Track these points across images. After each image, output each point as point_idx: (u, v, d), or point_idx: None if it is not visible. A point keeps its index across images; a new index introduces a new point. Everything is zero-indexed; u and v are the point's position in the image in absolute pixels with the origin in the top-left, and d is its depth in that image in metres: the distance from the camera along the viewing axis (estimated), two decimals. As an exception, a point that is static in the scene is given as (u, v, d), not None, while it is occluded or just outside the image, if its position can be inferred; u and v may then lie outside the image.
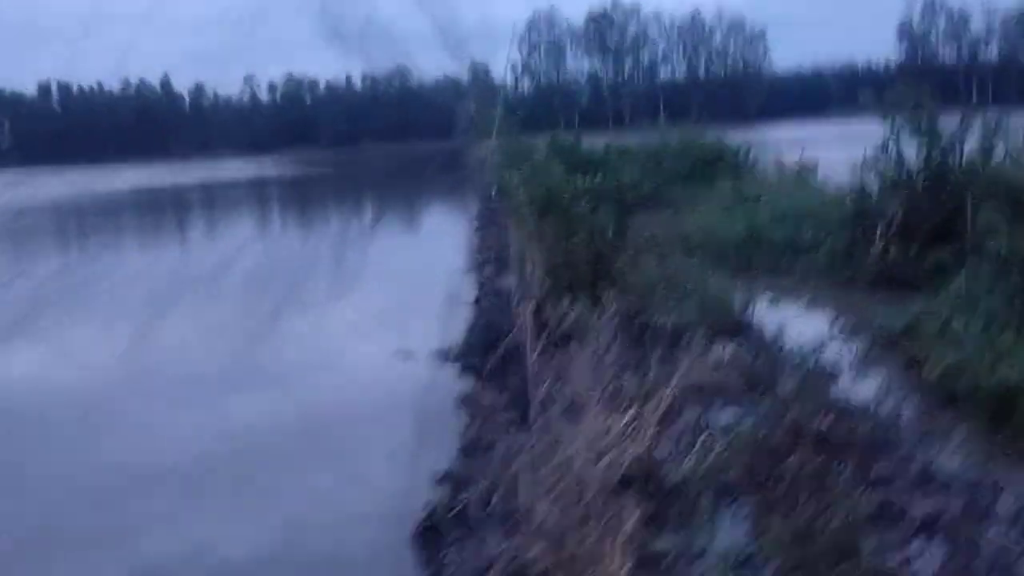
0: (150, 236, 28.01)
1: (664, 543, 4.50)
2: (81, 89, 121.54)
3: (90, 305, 13.75)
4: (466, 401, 6.97)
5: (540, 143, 30.30)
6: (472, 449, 5.88)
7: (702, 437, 5.78)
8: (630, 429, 5.40)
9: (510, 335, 8.58)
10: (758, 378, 6.99)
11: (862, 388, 6.76)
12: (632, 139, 28.66)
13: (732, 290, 9.78)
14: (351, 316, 11.43)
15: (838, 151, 22.31)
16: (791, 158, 20.37)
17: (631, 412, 5.71)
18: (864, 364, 7.63)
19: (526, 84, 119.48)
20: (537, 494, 4.51)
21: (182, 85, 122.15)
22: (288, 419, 7.43)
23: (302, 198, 40.94)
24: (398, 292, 12.55)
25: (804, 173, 18.04)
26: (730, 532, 4.67)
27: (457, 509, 4.80)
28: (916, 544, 4.40)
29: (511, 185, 8.63)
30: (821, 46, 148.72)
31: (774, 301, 10.30)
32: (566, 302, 8.15)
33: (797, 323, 8.88)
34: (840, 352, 7.82)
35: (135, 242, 26.35)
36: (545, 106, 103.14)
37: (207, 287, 13.88)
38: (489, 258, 14.06)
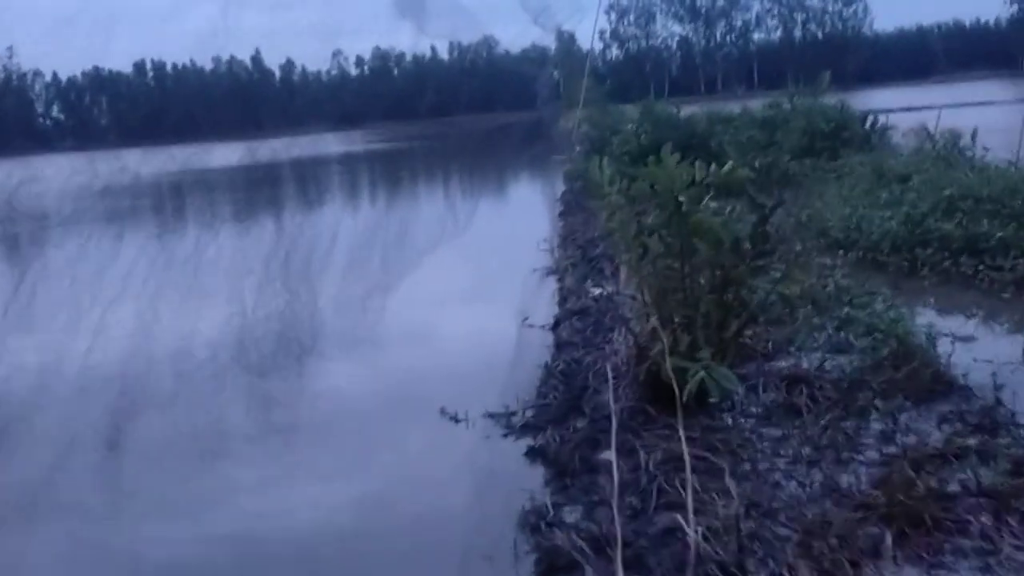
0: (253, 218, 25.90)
1: None
2: (175, 67, 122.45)
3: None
4: (532, 521, 4.47)
5: (630, 112, 27.60)
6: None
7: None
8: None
9: (602, 393, 6.08)
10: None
11: None
12: (728, 107, 25.58)
13: (912, 318, 7.07)
14: (391, 341, 8.92)
15: (972, 118, 19.10)
16: (926, 126, 17.23)
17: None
18: None
19: (614, 52, 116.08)
20: None
21: (272, 61, 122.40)
22: None
23: (388, 175, 38.96)
24: (459, 303, 10.07)
25: (952, 145, 14.91)
26: None
27: None
28: None
29: (600, 174, 6.03)
30: (924, 5, 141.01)
31: (971, 330, 7.44)
32: (682, 346, 5.57)
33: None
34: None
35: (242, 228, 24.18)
36: (634, 74, 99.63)
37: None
38: (574, 258, 11.51)
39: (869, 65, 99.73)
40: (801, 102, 20.79)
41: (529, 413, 5.98)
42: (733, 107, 25.53)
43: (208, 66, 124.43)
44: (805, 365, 6.36)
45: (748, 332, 6.42)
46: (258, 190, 32.34)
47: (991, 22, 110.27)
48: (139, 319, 9.34)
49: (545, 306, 9.10)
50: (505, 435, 5.69)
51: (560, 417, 5.75)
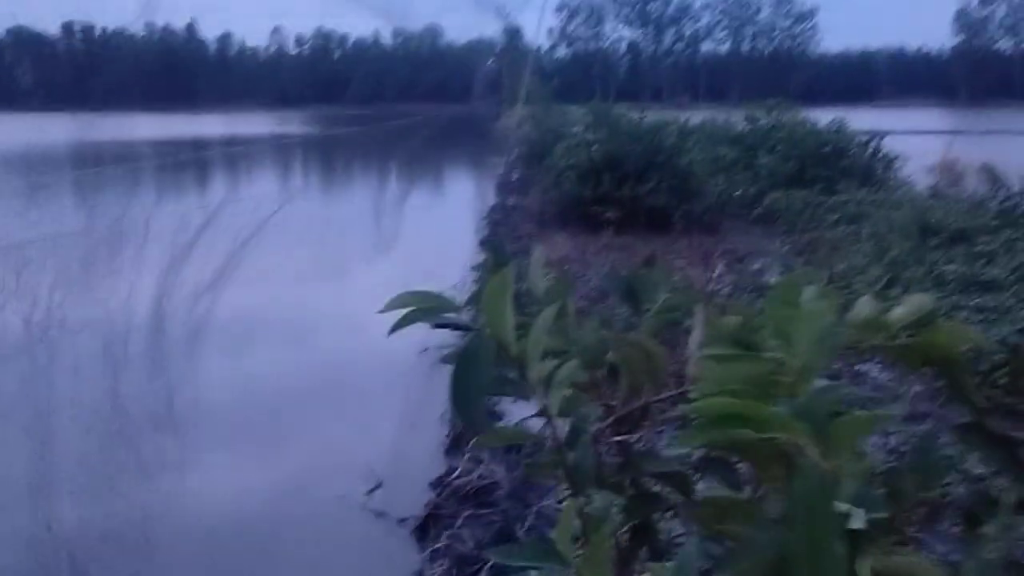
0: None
1: None
2: (104, 31, 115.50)
3: None
4: None
5: (576, 114, 23.85)
6: None
7: None
8: None
9: None
10: None
11: None
12: (675, 116, 21.94)
13: None
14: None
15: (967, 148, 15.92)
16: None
17: None
18: None
19: (562, 51, 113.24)
20: None
21: (209, 33, 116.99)
22: None
23: (313, 167, 34.82)
24: (261, 438, 5.93)
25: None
26: None
27: None
28: None
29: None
30: (871, 31, 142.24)
31: None
32: None
33: None
34: None
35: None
36: (581, 75, 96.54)
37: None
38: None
39: (813, 85, 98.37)
40: (783, 117, 17.27)
41: None
42: (682, 116, 22.00)
43: (140, 33, 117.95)
44: None
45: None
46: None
47: (933, 51, 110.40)
48: None
49: (419, 455, 5.12)
50: None
51: None
